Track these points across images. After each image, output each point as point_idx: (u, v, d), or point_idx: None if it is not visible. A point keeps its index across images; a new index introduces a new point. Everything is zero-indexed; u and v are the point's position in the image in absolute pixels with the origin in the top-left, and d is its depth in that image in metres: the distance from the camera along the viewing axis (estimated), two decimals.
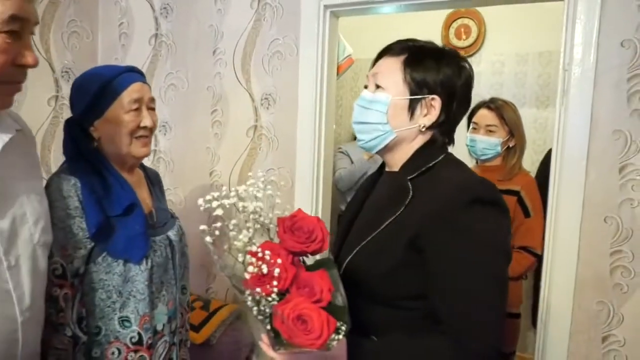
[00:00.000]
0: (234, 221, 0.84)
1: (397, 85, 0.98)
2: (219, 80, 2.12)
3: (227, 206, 0.82)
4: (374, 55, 1.05)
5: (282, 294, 0.81)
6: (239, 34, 2.06)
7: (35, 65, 0.83)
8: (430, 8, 1.94)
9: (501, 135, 2.01)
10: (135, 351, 1.15)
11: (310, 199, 1.97)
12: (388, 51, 1.03)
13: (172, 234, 1.27)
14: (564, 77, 1.60)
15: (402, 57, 0.99)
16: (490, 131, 2.02)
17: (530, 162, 3.09)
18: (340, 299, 0.86)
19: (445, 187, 0.90)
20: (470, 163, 2.22)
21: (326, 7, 1.90)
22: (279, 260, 0.79)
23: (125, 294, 1.13)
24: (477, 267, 0.84)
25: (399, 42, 1.03)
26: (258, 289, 0.79)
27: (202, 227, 0.85)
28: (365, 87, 1.05)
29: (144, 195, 1.28)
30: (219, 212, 0.82)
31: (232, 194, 0.84)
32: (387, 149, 1.01)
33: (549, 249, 1.67)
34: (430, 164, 0.95)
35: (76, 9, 2.19)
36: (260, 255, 0.79)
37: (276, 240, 0.87)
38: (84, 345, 1.09)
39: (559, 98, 1.63)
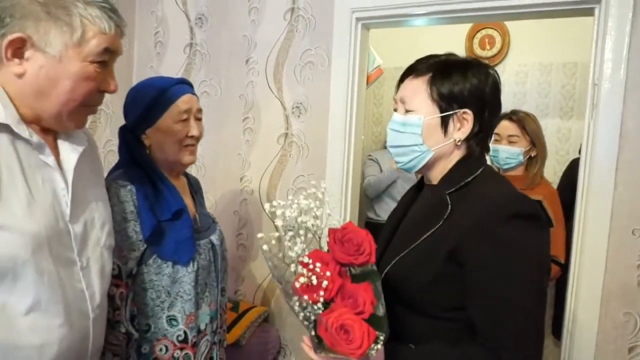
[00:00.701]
0: (290, 233, 0.88)
1: (426, 106, 0.98)
2: (252, 89, 2.19)
3: (288, 219, 0.87)
4: (399, 63, 1.06)
5: (327, 303, 0.85)
6: (271, 44, 2.13)
7: (115, 91, 0.92)
8: (459, 22, 1.98)
9: (523, 145, 2.06)
10: (181, 349, 1.21)
11: (339, 206, 2.02)
12: (412, 72, 1.02)
13: (214, 238, 1.33)
14: (593, 92, 1.63)
15: (427, 77, 0.99)
16: (512, 142, 2.07)
17: (552, 172, 3.10)
18: (381, 310, 0.90)
19: (484, 202, 0.91)
20: None
21: (358, 19, 1.96)
22: (328, 273, 0.83)
23: (173, 294, 1.20)
24: (516, 280, 0.85)
25: (420, 61, 1.03)
26: (306, 297, 0.84)
27: (260, 235, 0.90)
28: (395, 109, 1.06)
29: (187, 200, 1.34)
30: (279, 222, 0.87)
31: (295, 206, 0.88)
32: (426, 167, 1.03)
33: (575, 259, 1.70)
34: (469, 179, 0.96)
35: None
36: (311, 267, 0.84)
37: (325, 248, 0.92)
38: (135, 341, 1.15)
39: (588, 111, 1.65)
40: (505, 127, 2.08)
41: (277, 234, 0.88)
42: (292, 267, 0.87)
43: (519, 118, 2.07)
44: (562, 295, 1.79)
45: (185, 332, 1.21)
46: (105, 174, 1.18)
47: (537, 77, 3.14)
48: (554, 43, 3.02)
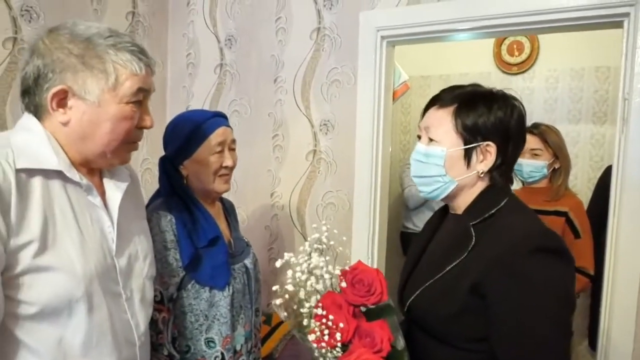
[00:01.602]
0: (302, 292, 0.92)
1: (450, 137, 0.99)
2: (280, 107, 2.24)
3: (298, 280, 0.91)
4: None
5: (345, 345, 0.88)
6: (299, 64, 2.18)
7: (152, 127, 0.98)
8: (486, 37, 1.98)
9: (546, 158, 2.06)
10: None
11: (368, 221, 2.05)
12: (437, 101, 1.04)
13: (248, 262, 1.39)
14: (623, 106, 1.61)
15: (452, 108, 1.00)
16: (535, 154, 2.07)
17: (587, 179, 3.05)
18: (401, 343, 0.92)
19: (508, 235, 0.91)
20: (516, 185, 2.26)
21: (383, 37, 1.98)
22: (342, 325, 0.86)
23: (211, 317, 1.26)
24: (539, 314, 0.85)
25: (445, 91, 1.04)
26: (323, 344, 0.87)
27: (275, 287, 0.95)
28: (419, 137, 1.07)
29: (223, 226, 1.41)
30: (290, 287, 0.91)
31: (304, 265, 0.92)
32: (449, 197, 1.04)
33: (609, 272, 1.67)
34: (493, 210, 0.97)
35: (150, 42, 2.39)
36: (324, 320, 0.87)
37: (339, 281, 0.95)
38: None
39: (619, 126, 1.63)
40: (527, 141, 2.07)
41: (290, 287, 0.91)
42: (305, 322, 0.90)
43: (541, 131, 2.08)
44: (597, 307, 1.78)
45: (222, 353, 1.27)
46: (143, 191, 1.24)
47: (569, 83, 3.09)
48: (586, 47, 2.96)
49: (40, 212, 0.85)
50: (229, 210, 1.50)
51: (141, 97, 0.96)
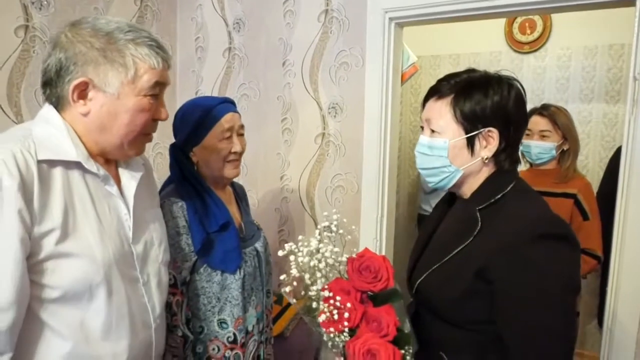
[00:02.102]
0: (307, 276, 0.95)
1: (451, 127, 1.00)
2: (289, 90, 2.25)
3: (301, 264, 0.94)
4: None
5: (353, 330, 0.91)
6: (307, 46, 2.18)
7: (167, 119, 1.01)
8: (494, 17, 1.96)
9: (555, 140, 2.05)
10: (231, 349, 1.32)
11: (376, 204, 2.07)
12: (435, 93, 1.04)
13: (258, 245, 1.43)
14: (634, 86, 1.59)
15: (449, 98, 1.00)
16: (544, 136, 2.07)
17: (598, 159, 3.03)
18: (407, 327, 0.96)
19: (514, 221, 0.92)
20: (524, 166, 2.26)
21: (391, 19, 1.97)
22: (349, 304, 0.89)
23: (223, 299, 1.30)
24: (543, 301, 0.87)
25: (442, 82, 1.04)
26: (332, 329, 0.91)
27: (282, 276, 0.99)
28: (422, 128, 1.08)
29: (233, 210, 1.44)
30: (294, 272, 0.94)
31: (305, 250, 0.95)
32: (456, 185, 1.05)
33: (615, 254, 1.68)
34: (499, 196, 0.98)
35: (158, 27, 2.40)
36: (332, 302, 0.90)
37: (346, 274, 0.98)
38: (191, 343, 1.27)
39: (628, 106, 1.62)
40: (536, 122, 2.08)
41: (296, 273, 0.94)
42: (314, 304, 0.93)
43: (550, 113, 2.06)
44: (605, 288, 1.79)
45: (234, 334, 1.32)
46: (155, 175, 1.27)
47: (581, 61, 3.04)
48: (599, 24, 2.90)
49: (61, 201, 0.89)
50: (240, 195, 1.53)
51: (158, 91, 0.99)
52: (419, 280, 1.05)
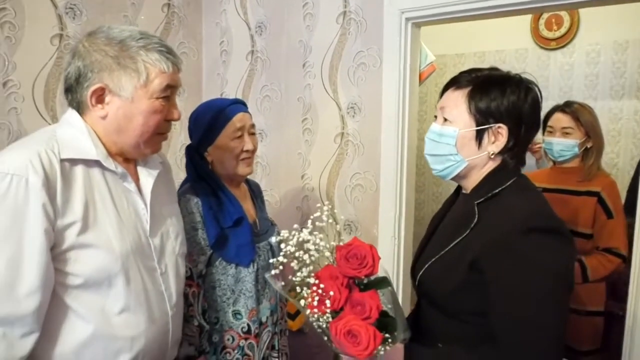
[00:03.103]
0: (293, 263, 1.00)
1: (463, 118, 1.03)
2: (309, 91, 2.30)
3: (290, 253, 0.99)
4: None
5: (337, 312, 0.95)
6: (326, 48, 2.23)
7: (179, 119, 1.09)
8: (515, 14, 1.94)
9: (578, 137, 2.01)
10: (245, 339, 1.38)
11: (394, 202, 2.10)
12: (454, 84, 1.07)
13: (272, 240, 1.48)
14: None
15: (467, 90, 1.03)
16: (567, 133, 2.03)
17: (629, 157, 2.94)
18: (393, 312, 0.99)
19: (507, 214, 0.94)
20: (548, 164, 2.23)
21: (408, 19, 1.99)
22: (332, 292, 0.94)
23: (237, 291, 1.37)
24: (533, 294, 0.88)
25: (463, 74, 1.07)
26: (315, 310, 0.95)
27: (272, 260, 1.04)
28: (435, 117, 1.12)
29: (248, 206, 1.50)
30: (282, 259, 0.99)
31: (295, 239, 1.00)
32: (459, 176, 1.08)
33: (636, 255, 1.65)
34: (497, 190, 1.00)
35: (185, 32, 2.50)
36: (315, 288, 0.95)
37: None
38: (207, 332, 1.34)
39: None
40: (558, 119, 2.04)
41: (282, 259, 0.99)
42: (298, 289, 0.98)
43: (573, 110, 2.02)
44: None
45: (248, 325, 1.38)
46: (182, 174, 1.33)
47: (611, 57, 2.95)
48: (630, 18, 2.81)
49: (82, 197, 0.97)
50: (255, 192, 1.60)
51: (169, 93, 1.06)
52: (420, 273, 1.08)
